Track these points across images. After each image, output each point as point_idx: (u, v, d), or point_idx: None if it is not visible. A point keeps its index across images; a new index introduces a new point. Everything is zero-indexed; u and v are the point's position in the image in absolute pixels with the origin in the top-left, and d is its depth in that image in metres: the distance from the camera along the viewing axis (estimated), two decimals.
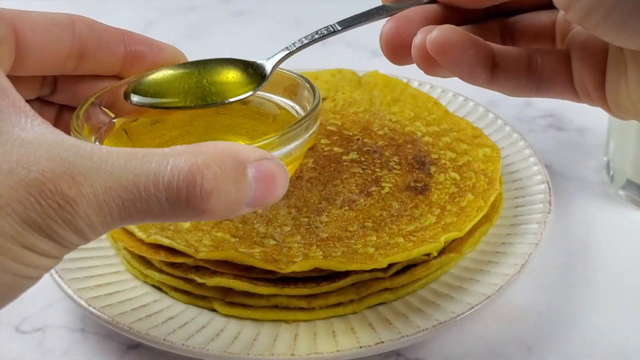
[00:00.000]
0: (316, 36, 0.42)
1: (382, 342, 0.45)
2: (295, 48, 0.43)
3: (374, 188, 0.55)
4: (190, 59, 0.90)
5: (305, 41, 0.42)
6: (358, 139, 0.60)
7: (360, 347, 0.44)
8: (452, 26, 0.36)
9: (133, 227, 0.50)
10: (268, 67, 0.44)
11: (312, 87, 0.42)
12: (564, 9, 0.32)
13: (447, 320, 0.46)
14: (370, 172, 0.56)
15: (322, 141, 0.60)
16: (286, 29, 0.91)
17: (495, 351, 0.48)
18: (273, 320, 0.47)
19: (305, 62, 0.76)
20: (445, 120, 0.61)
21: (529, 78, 0.37)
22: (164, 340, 0.45)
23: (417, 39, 0.36)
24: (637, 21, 0.30)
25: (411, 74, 0.69)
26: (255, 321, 0.47)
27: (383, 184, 0.55)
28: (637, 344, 0.48)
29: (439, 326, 0.45)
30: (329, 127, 0.62)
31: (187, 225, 0.51)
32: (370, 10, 0.40)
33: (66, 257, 0.51)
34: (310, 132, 0.39)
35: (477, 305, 0.46)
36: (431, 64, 0.36)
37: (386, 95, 0.65)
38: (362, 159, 0.58)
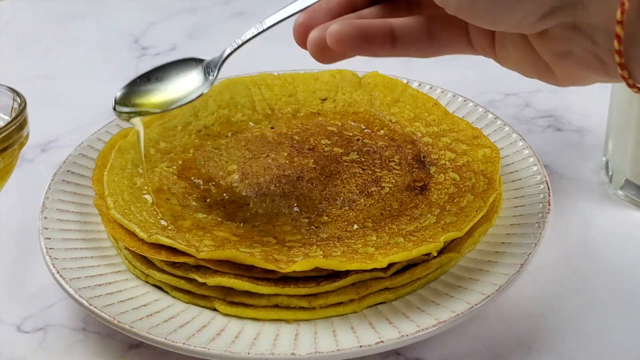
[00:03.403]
0: (249, 35, 0.49)
1: (382, 341, 0.45)
2: (235, 46, 0.50)
3: (374, 188, 0.55)
4: None
5: (242, 40, 0.49)
6: (358, 140, 0.60)
7: (360, 346, 0.44)
8: (344, 21, 0.42)
9: (134, 227, 0.50)
10: (214, 67, 0.51)
11: (17, 95, 0.45)
12: (442, 6, 0.39)
13: (447, 319, 0.46)
14: (370, 172, 0.56)
15: (323, 141, 0.60)
16: (286, 29, 0.91)
17: (495, 351, 0.48)
18: (274, 320, 0.47)
19: (306, 63, 0.76)
20: (445, 121, 0.61)
21: (429, 43, 0.42)
22: (165, 339, 0.45)
23: (311, 36, 0.43)
24: (493, 12, 0.37)
25: (411, 74, 0.69)
26: (256, 320, 0.47)
27: (383, 184, 0.55)
28: (637, 343, 0.49)
29: (439, 325, 0.45)
30: (329, 128, 0.62)
31: (187, 224, 0.51)
32: (289, 6, 0.47)
33: (67, 257, 0.51)
34: (9, 142, 0.41)
35: (477, 304, 0.46)
36: (324, 54, 0.43)
37: (386, 96, 0.65)
38: (362, 159, 0.58)
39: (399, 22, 0.42)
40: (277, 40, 0.89)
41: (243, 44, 0.49)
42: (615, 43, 0.35)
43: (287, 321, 0.47)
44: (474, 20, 0.39)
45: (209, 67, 0.51)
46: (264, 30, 0.48)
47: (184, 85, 0.51)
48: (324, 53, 0.43)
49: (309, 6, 0.45)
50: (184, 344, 0.45)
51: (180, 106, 0.50)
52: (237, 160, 0.58)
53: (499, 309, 0.50)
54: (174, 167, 0.58)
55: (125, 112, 0.51)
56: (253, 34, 0.48)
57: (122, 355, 0.49)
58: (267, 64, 0.75)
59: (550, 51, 0.38)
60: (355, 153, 0.59)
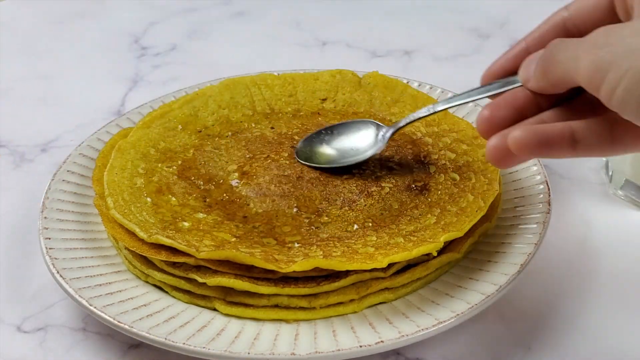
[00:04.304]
0: (422, 114, 0.53)
1: (382, 341, 0.45)
2: (408, 120, 0.54)
3: (374, 188, 0.55)
4: (191, 58, 0.90)
5: (415, 117, 0.54)
6: None
7: (361, 346, 0.44)
8: (525, 127, 0.41)
9: (134, 227, 0.50)
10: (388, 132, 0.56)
11: None
12: (618, 112, 0.38)
13: (447, 319, 0.46)
14: (370, 172, 0.56)
15: None
16: (286, 29, 0.91)
17: (495, 351, 0.48)
18: (274, 320, 0.47)
19: (306, 63, 0.76)
20: (445, 121, 0.61)
21: (612, 145, 0.41)
22: (165, 339, 0.45)
23: (490, 143, 0.42)
24: None
25: (411, 75, 0.69)
26: (256, 320, 0.47)
27: (383, 184, 0.55)
28: (637, 344, 0.49)
29: (439, 325, 0.45)
30: None
31: (187, 225, 0.51)
32: (469, 92, 0.48)
33: (68, 257, 0.51)
34: None
35: (477, 304, 0.46)
36: (502, 161, 0.42)
37: (386, 96, 0.65)
38: None
39: (580, 125, 0.41)
40: (277, 40, 0.90)
41: (416, 119, 0.54)
42: None
43: (287, 321, 0.47)
44: None
45: (381, 133, 0.56)
46: (436, 112, 0.52)
47: (358, 142, 0.57)
48: (502, 160, 0.42)
49: (489, 96, 0.46)
50: (184, 344, 0.45)
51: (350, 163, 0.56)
52: (237, 160, 0.58)
53: (499, 309, 0.50)
54: (174, 167, 0.58)
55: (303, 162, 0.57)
56: (425, 114, 0.52)
57: (122, 355, 0.49)
58: (267, 64, 0.75)
59: None
60: None
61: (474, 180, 0.54)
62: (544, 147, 0.41)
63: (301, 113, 0.64)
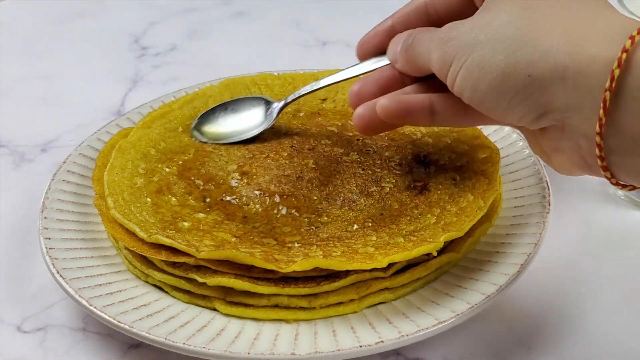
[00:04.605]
0: (303, 92, 0.58)
1: (382, 341, 0.45)
2: (293, 97, 0.59)
3: (374, 188, 0.55)
4: (191, 58, 0.90)
5: (302, 93, 0.58)
6: (358, 140, 0.60)
7: (360, 346, 0.44)
8: (391, 97, 0.48)
9: (134, 227, 0.50)
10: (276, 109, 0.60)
11: None
12: (458, 96, 0.45)
13: (447, 319, 0.46)
14: (370, 172, 0.56)
15: (323, 141, 0.60)
16: (286, 29, 0.91)
17: (495, 351, 0.48)
18: (274, 320, 0.47)
19: (306, 63, 0.76)
20: None
21: (465, 116, 0.48)
22: (165, 339, 0.45)
23: (357, 112, 0.50)
24: (497, 110, 0.42)
25: None
26: (256, 320, 0.47)
27: (383, 184, 0.55)
28: (637, 344, 0.49)
29: (439, 325, 0.45)
30: (329, 128, 0.62)
31: (187, 225, 0.51)
32: (349, 67, 0.54)
33: (68, 257, 0.51)
34: None
35: (477, 304, 0.46)
36: (367, 129, 0.50)
37: None
38: (363, 159, 0.58)
39: (438, 98, 0.47)
40: (277, 40, 0.90)
41: (300, 96, 0.58)
42: (597, 150, 0.39)
43: (287, 321, 0.47)
44: (485, 112, 0.44)
45: (271, 109, 0.60)
46: (319, 88, 0.56)
47: (249, 120, 0.61)
48: (367, 128, 0.50)
49: (364, 73, 0.52)
50: (184, 344, 0.45)
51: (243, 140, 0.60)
52: (237, 160, 0.58)
53: (499, 309, 0.50)
54: (174, 167, 0.58)
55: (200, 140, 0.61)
56: (308, 90, 0.57)
57: (122, 355, 0.49)
58: (267, 64, 0.75)
59: (547, 145, 0.44)
60: (356, 153, 0.59)
61: (474, 180, 0.54)
62: (406, 114, 0.48)
63: (301, 113, 0.64)
